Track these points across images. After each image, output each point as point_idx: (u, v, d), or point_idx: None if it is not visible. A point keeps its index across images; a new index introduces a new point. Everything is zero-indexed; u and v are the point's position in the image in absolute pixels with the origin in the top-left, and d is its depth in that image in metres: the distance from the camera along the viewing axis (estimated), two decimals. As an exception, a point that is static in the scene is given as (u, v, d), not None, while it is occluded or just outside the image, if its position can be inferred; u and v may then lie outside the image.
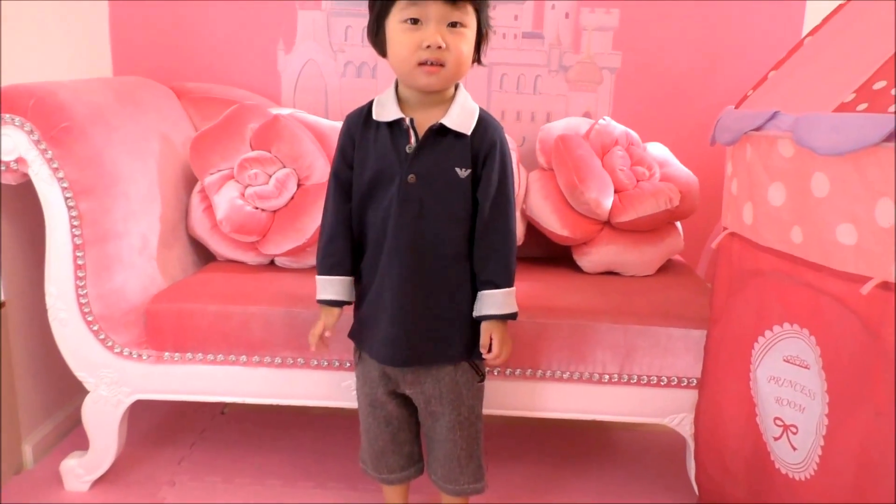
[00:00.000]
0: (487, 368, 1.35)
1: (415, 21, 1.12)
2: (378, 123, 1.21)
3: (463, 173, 1.19)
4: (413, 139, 1.18)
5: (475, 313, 1.24)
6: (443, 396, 1.25)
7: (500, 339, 1.24)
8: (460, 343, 1.26)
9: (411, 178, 1.17)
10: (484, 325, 1.24)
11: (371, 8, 1.19)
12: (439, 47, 1.12)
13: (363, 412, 1.32)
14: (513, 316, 1.25)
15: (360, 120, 1.23)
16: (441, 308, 1.23)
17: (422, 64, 1.13)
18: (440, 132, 1.18)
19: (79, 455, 1.64)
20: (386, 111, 1.20)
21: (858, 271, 1.01)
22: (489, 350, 1.24)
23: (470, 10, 1.15)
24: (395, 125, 1.19)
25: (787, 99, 1.22)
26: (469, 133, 1.19)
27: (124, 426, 1.62)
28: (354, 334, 1.32)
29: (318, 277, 1.28)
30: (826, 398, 1.10)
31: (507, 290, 1.23)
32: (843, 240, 1.03)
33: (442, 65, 1.14)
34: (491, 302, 1.23)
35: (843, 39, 1.22)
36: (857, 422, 1.03)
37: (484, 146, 1.20)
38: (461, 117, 1.19)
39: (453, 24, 1.13)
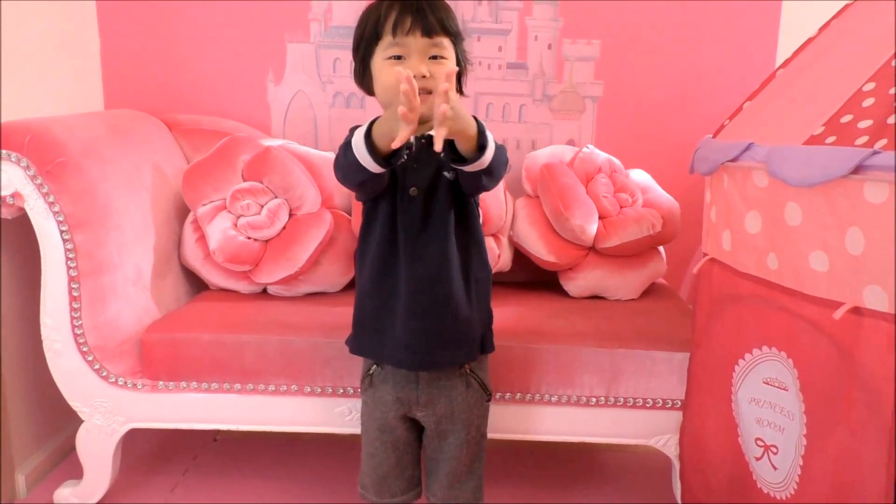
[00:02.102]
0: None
1: (398, 57, 1.19)
2: None
3: (450, 176, 1.22)
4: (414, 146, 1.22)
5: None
6: (454, 416, 1.28)
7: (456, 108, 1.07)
8: (476, 340, 1.29)
9: (413, 190, 1.21)
10: None
11: (356, 51, 1.25)
12: (423, 77, 1.17)
13: (369, 436, 1.33)
14: (481, 131, 1.11)
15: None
16: (456, 308, 1.24)
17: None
18: (430, 144, 1.21)
19: (72, 484, 1.65)
20: None
21: (831, 297, 1.06)
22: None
23: (447, 44, 1.21)
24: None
25: (761, 130, 1.27)
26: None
27: (118, 455, 1.64)
28: (365, 350, 1.30)
29: (355, 139, 1.12)
30: (804, 419, 1.13)
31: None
32: (815, 266, 1.07)
33: (429, 92, 1.19)
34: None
35: (812, 73, 1.27)
36: (833, 442, 1.07)
37: None
38: None
39: (434, 57, 1.20)
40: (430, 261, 1.22)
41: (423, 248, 1.21)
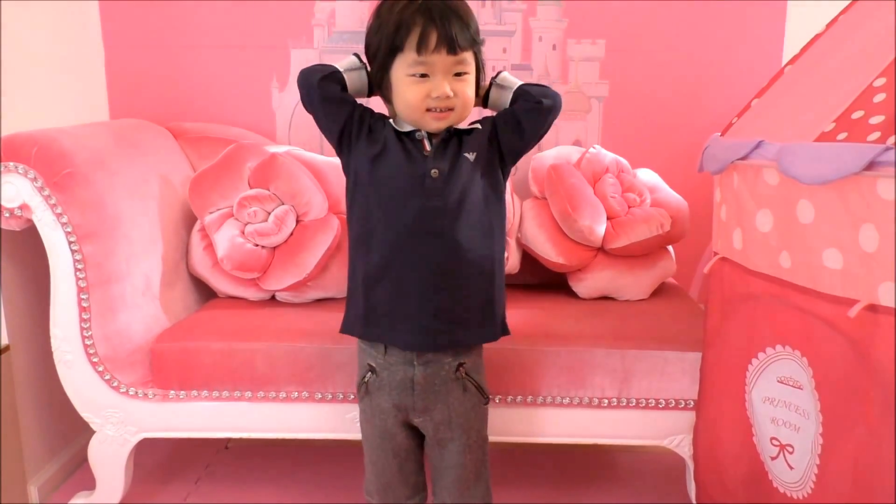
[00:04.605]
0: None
1: (423, 75, 1.18)
2: (395, 130, 1.24)
3: (471, 157, 1.23)
4: (428, 146, 1.23)
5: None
6: (452, 421, 1.27)
7: None
8: (498, 321, 1.29)
9: (434, 172, 1.20)
10: None
11: (373, 57, 1.23)
12: (448, 97, 1.18)
13: (370, 444, 1.33)
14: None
15: (379, 117, 1.27)
16: (477, 286, 1.24)
17: (429, 110, 1.19)
18: (451, 135, 1.24)
19: (85, 495, 1.65)
20: (399, 126, 1.24)
21: (846, 294, 1.05)
22: None
23: (470, 58, 1.21)
24: (408, 137, 1.23)
25: (771, 127, 1.26)
26: (477, 126, 1.27)
27: (130, 464, 1.63)
28: (377, 336, 1.28)
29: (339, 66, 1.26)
30: (820, 418, 1.13)
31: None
32: (829, 264, 1.07)
33: (451, 109, 1.20)
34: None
35: (821, 69, 1.26)
36: (850, 441, 1.06)
37: (488, 120, 1.28)
38: (465, 122, 1.26)
39: (457, 74, 1.19)
40: (451, 241, 1.21)
41: (443, 228, 1.21)
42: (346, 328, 1.32)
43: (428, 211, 1.20)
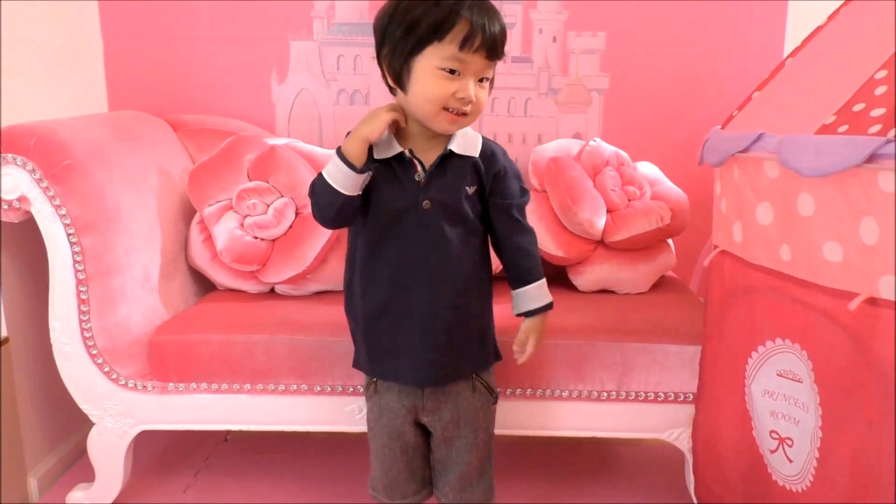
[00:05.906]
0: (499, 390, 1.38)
1: (452, 71, 1.13)
2: (379, 160, 1.20)
3: (471, 190, 1.22)
4: (420, 168, 1.20)
5: (515, 311, 1.31)
6: (460, 420, 1.28)
7: (538, 333, 1.32)
8: (486, 352, 1.31)
9: (426, 204, 1.19)
10: (524, 323, 1.32)
11: (402, 37, 1.14)
12: (470, 101, 1.15)
13: (378, 443, 1.32)
14: (549, 306, 1.32)
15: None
16: (467, 322, 1.25)
17: (446, 109, 1.15)
18: (446, 156, 1.20)
19: (84, 487, 1.65)
20: (383, 148, 1.20)
21: (846, 287, 1.05)
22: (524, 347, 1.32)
23: (495, 66, 1.19)
24: (396, 159, 1.20)
25: (771, 120, 1.25)
26: (476, 154, 1.23)
27: (130, 457, 1.63)
28: (368, 366, 1.29)
29: (328, 167, 1.17)
30: (819, 411, 1.13)
31: (538, 283, 1.30)
32: (829, 257, 1.06)
33: (465, 114, 1.16)
34: (525, 298, 1.31)
35: (822, 62, 1.26)
36: (850, 434, 1.06)
37: (495, 165, 1.25)
38: (465, 143, 1.22)
39: (481, 80, 1.17)
40: (451, 273, 1.21)
41: (440, 260, 1.20)
42: (359, 363, 1.33)
43: (423, 242, 1.20)
